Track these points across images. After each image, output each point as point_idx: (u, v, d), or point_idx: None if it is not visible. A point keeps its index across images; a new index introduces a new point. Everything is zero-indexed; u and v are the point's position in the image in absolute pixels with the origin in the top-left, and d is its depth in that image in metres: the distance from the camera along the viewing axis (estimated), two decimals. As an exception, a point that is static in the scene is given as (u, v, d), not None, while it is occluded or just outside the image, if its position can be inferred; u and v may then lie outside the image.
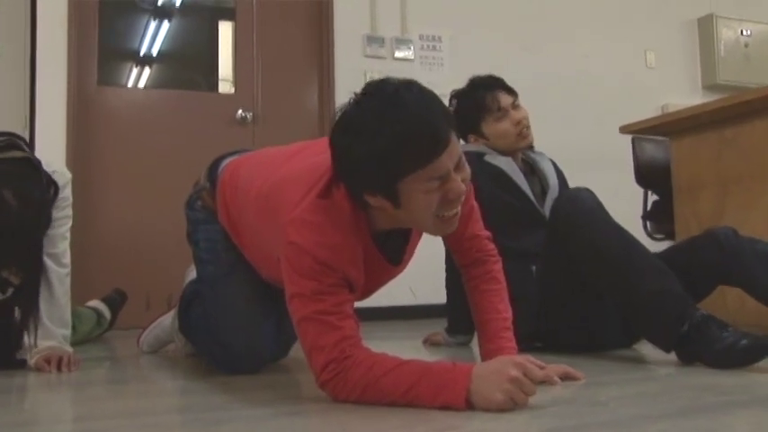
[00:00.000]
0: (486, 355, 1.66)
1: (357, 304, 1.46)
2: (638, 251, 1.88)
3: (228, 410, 1.42)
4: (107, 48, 4.00)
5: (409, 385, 1.30)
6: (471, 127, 2.38)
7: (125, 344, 2.77)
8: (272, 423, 1.30)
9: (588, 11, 4.83)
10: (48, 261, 2.02)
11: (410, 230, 1.59)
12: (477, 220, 1.71)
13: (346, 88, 4.13)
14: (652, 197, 3.61)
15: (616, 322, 2.05)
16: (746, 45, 5.16)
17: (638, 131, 3.36)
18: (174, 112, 3.99)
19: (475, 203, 1.70)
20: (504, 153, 2.35)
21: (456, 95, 2.45)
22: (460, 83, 2.50)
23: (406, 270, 1.69)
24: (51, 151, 3.36)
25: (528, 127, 2.37)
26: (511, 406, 1.25)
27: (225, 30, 4.29)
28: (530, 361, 1.31)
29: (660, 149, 3.49)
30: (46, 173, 1.97)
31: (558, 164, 2.51)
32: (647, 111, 4.28)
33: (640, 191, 3.62)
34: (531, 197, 2.30)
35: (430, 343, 2.57)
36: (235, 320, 1.85)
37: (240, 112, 4.04)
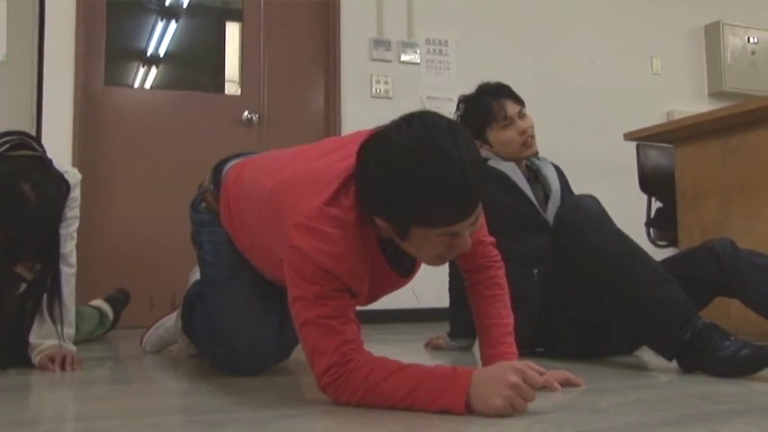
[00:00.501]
0: (487, 361, 1.67)
1: (359, 307, 1.47)
2: (641, 258, 1.88)
3: (230, 412, 1.43)
4: (114, 48, 4.01)
5: (409, 389, 1.30)
6: (476, 133, 2.37)
7: (128, 344, 2.78)
8: (275, 425, 1.30)
9: (595, 17, 4.83)
10: None
11: None
12: (481, 227, 1.71)
13: (352, 91, 4.19)
14: (656, 204, 3.61)
15: (617, 329, 2.05)
16: (753, 53, 5.15)
17: (643, 138, 3.36)
18: (180, 113, 4.00)
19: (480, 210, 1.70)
20: (507, 160, 2.36)
21: (464, 100, 2.46)
22: (466, 87, 2.51)
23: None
24: (58, 151, 3.35)
25: (533, 136, 2.38)
26: (510, 412, 1.26)
27: (232, 31, 4.30)
28: (530, 367, 1.31)
29: (665, 156, 3.49)
30: (58, 171, 1.99)
31: (563, 169, 2.52)
32: (652, 118, 4.27)
33: (644, 198, 3.61)
34: (535, 202, 2.31)
35: (432, 346, 2.58)
36: (237, 322, 1.86)
37: (246, 113, 4.05)
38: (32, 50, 3.60)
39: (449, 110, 2.53)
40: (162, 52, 4.35)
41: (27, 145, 1.98)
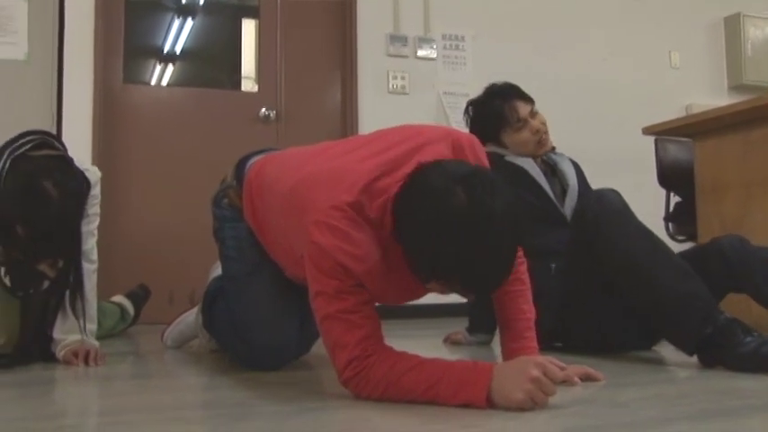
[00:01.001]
0: (508, 355, 1.68)
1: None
2: (664, 253, 1.88)
3: (252, 406, 1.44)
4: (132, 45, 4.04)
5: (430, 383, 1.31)
6: (490, 136, 2.37)
7: (149, 339, 2.80)
8: (296, 419, 1.31)
9: (612, 10, 4.79)
10: None
11: None
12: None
13: (369, 86, 4.18)
14: (674, 199, 3.59)
15: (635, 323, 2.04)
16: (774, 45, 5.09)
17: (662, 133, 3.34)
18: (197, 110, 4.02)
19: None
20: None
21: (472, 104, 2.46)
22: (483, 82, 2.50)
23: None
24: (78, 148, 3.37)
25: (546, 132, 2.38)
26: (531, 405, 1.26)
27: (248, 28, 4.32)
28: (550, 361, 1.31)
29: (684, 151, 3.46)
30: (79, 169, 2.02)
31: (581, 165, 2.51)
32: (670, 111, 4.25)
33: (663, 192, 3.59)
34: (552, 196, 2.31)
35: (450, 341, 2.58)
36: (258, 317, 1.87)
37: (263, 110, 4.07)
38: (52, 50, 3.64)
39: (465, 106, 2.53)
40: (179, 50, 4.38)
41: (49, 144, 2.01)
